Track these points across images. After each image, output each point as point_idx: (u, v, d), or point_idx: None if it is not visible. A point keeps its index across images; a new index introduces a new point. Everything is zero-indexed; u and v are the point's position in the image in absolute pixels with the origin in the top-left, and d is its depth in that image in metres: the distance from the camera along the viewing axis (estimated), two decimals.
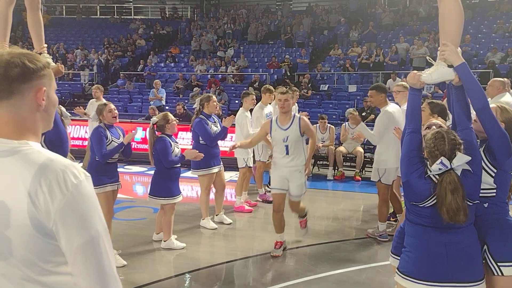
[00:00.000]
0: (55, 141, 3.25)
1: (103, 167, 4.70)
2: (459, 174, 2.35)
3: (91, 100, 9.48)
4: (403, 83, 5.83)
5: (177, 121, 5.28)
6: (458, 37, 2.60)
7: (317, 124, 9.55)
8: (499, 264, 2.47)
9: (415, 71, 2.67)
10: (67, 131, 3.51)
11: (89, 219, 1.25)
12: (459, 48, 2.56)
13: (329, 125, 9.57)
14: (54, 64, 3.35)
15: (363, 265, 4.88)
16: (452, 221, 2.32)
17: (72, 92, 17.25)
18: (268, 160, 7.25)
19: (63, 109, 3.67)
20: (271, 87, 7.44)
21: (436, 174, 2.39)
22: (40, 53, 3.35)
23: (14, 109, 1.33)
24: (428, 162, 2.47)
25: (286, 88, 5.89)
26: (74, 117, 9.48)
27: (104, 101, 9.15)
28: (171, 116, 5.25)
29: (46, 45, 3.47)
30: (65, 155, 3.34)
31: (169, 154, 5.04)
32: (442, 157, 2.35)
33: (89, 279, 1.24)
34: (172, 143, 5.15)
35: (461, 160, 2.34)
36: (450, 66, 2.52)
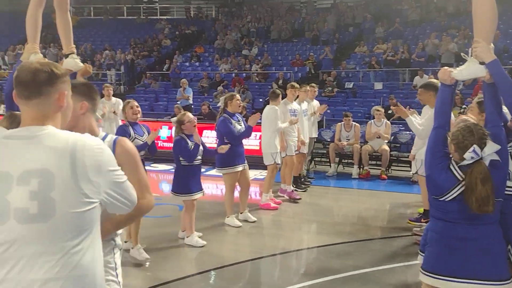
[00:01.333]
0: None
1: None
2: (487, 165, 2.34)
3: (101, 99, 9.58)
4: (433, 80, 5.71)
5: (195, 121, 5.28)
6: (490, 33, 2.55)
7: (342, 122, 9.47)
8: None
9: (446, 67, 2.63)
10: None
11: (115, 166, 1.65)
12: (491, 44, 2.51)
13: (354, 123, 9.47)
14: (82, 64, 3.43)
15: (389, 265, 4.81)
16: (480, 211, 2.30)
17: (100, 92, 17.61)
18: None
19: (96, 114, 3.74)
20: (296, 84, 7.47)
21: (459, 167, 2.37)
22: (69, 54, 3.43)
23: (41, 107, 1.60)
24: (452, 157, 2.44)
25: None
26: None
27: (113, 99, 9.34)
28: (187, 116, 5.25)
29: (74, 46, 3.54)
30: None
31: (183, 151, 5.08)
32: (474, 145, 2.34)
33: (124, 196, 1.69)
34: (190, 142, 5.15)
35: (492, 149, 2.34)
36: (482, 63, 2.47)
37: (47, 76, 1.59)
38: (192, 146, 5.13)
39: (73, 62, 3.39)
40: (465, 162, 2.38)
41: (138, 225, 4.78)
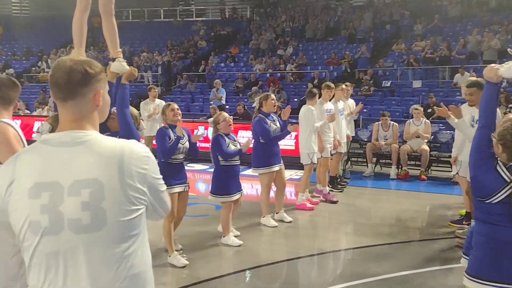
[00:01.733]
0: None
1: (170, 168, 4.69)
2: None
3: (145, 100, 9.80)
4: (475, 78, 5.39)
5: (231, 120, 5.30)
6: None
7: (379, 122, 9.30)
8: None
9: (493, 65, 2.52)
10: (141, 138, 3.68)
11: (158, 174, 1.66)
12: None
13: (392, 122, 9.27)
14: (128, 67, 3.51)
15: (428, 268, 4.68)
16: None
17: (138, 94, 18.01)
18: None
19: (142, 123, 3.83)
20: (331, 83, 7.40)
21: (509, 171, 2.29)
22: (116, 58, 3.51)
23: (77, 108, 1.57)
24: (499, 158, 2.35)
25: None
26: None
27: (157, 101, 9.52)
28: (222, 116, 5.28)
29: (120, 50, 3.62)
30: None
31: (220, 147, 5.11)
32: None
33: (161, 204, 1.69)
34: (227, 140, 5.21)
35: None
36: None
37: (81, 76, 1.55)
38: (230, 144, 5.17)
39: (120, 65, 3.47)
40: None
41: (170, 232, 4.79)
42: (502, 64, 2.53)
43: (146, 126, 9.24)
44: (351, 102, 8.41)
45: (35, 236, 1.48)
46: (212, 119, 5.40)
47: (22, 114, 14.06)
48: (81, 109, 1.57)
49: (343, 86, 7.94)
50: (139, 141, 3.49)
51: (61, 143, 1.53)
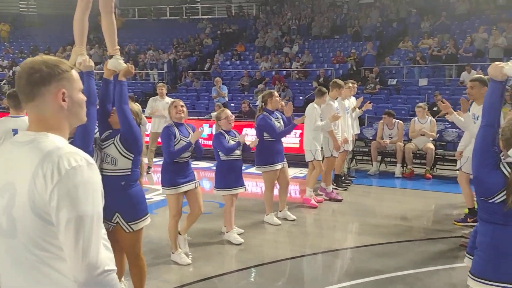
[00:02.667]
0: (129, 140, 3.42)
1: (176, 167, 4.66)
2: None
3: (155, 97, 9.81)
4: (480, 76, 5.43)
5: (232, 118, 5.33)
6: None
7: (383, 120, 9.25)
8: None
9: (498, 62, 2.50)
10: (144, 133, 3.65)
11: (79, 200, 1.38)
12: None
13: (397, 120, 9.23)
14: (124, 65, 3.52)
15: (433, 267, 4.66)
16: None
17: (144, 91, 18.08)
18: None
19: (144, 117, 3.81)
20: (340, 81, 7.34)
21: (509, 165, 2.27)
22: (113, 55, 3.53)
23: (38, 109, 1.51)
24: (502, 155, 2.33)
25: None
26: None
27: (167, 98, 9.54)
28: (225, 113, 5.30)
29: (118, 47, 3.63)
30: (139, 154, 3.51)
31: (220, 144, 5.17)
32: None
33: (70, 252, 1.39)
34: (227, 136, 5.25)
35: None
36: None
37: (39, 76, 1.49)
38: (230, 141, 5.20)
39: (117, 63, 3.49)
40: (509, 160, 2.27)
41: (176, 231, 4.80)
42: (507, 62, 2.50)
43: (154, 123, 9.27)
44: (352, 99, 8.39)
45: None
46: (215, 113, 5.48)
47: None
48: (43, 111, 1.51)
49: (350, 84, 7.92)
50: (140, 137, 3.49)
51: (17, 142, 1.51)
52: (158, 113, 9.20)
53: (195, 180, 4.80)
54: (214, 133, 5.39)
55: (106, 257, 1.45)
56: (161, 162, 5.04)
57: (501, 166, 2.30)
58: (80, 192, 1.39)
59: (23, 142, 1.49)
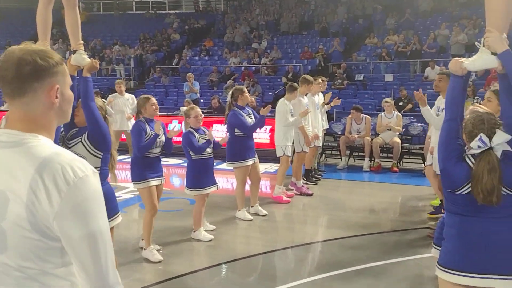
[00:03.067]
0: (98, 137, 3.34)
1: (146, 162, 4.68)
2: (499, 156, 2.29)
3: (114, 94, 9.63)
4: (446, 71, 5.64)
5: (201, 116, 5.28)
6: (503, 23, 2.49)
7: (351, 115, 9.40)
8: None
9: (458, 58, 2.58)
10: (111, 127, 3.58)
11: (90, 214, 1.25)
12: (504, 35, 2.45)
13: (364, 115, 9.40)
14: (89, 60, 3.44)
15: (401, 258, 4.78)
16: (485, 202, 2.27)
17: (110, 87, 17.70)
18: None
19: (108, 108, 3.72)
20: (309, 77, 7.39)
21: (473, 157, 2.34)
22: (76, 50, 3.44)
23: (27, 107, 1.32)
24: (466, 148, 2.41)
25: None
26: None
27: (126, 95, 9.39)
28: (194, 111, 5.22)
29: (82, 42, 3.54)
30: (108, 151, 3.43)
31: (190, 143, 5.10)
32: (481, 134, 2.30)
33: (86, 272, 1.27)
34: (197, 135, 5.19)
35: (501, 138, 2.28)
36: (494, 53, 2.42)
37: (32, 69, 1.30)
38: (200, 139, 5.16)
39: (80, 58, 3.40)
40: (472, 151, 2.34)
41: (151, 226, 4.77)
42: (468, 58, 2.59)
43: (115, 121, 9.10)
44: (320, 95, 8.48)
45: None
46: (184, 109, 5.38)
47: None
48: (32, 108, 1.33)
49: (320, 80, 8.01)
50: (108, 134, 3.40)
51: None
52: (118, 109, 9.04)
53: (163, 176, 4.90)
54: (183, 130, 5.32)
55: (117, 275, 1.34)
56: (125, 160, 4.98)
57: (466, 158, 2.37)
58: (91, 205, 1.26)
59: (6, 143, 1.30)
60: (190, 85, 14.04)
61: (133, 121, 9.25)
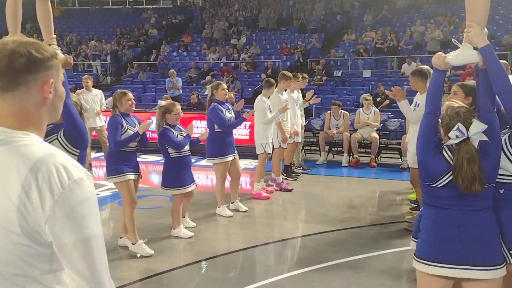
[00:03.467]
0: (74, 135, 3.26)
1: (122, 156, 4.66)
2: (476, 146, 2.34)
3: (80, 90, 9.42)
4: (422, 66, 5.75)
5: (181, 114, 5.22)
6: (484, 18, 2.54)
7: (331, 111, 9.47)
8: (511, 252, 2.44)
9: (441, 53, 2.62)
10: (87, 124, 3.51)
11: (84, 219, 1.21)
12: (485, 29, 2.50)
13: (343, 111, 9.48)
14: (62, 55, 3.35)
15: (379, 251, 4.85)
16: (468, 191, 2.32)
17: None
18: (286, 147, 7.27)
19: (84, 103, 3.66)
20: (288, 73, 7.38)
21: (450, 150, 2.38)
22: (49, 45, 3.35)
23: (19, 101, 1.26)
24: (444, 142, 2.46)
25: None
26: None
27: (94, 91, 9.23)
28: (176, 108, 5.11)
29: (55, 36, 3.45)
30: (84, 148, 3.35)
31: (169, 140, 5.00)
32: (459, 123, 2.35)
33: (81, 277, 1.23)
34: (175, 131, 5.10)
35: (477, 128, 2.33)
36: (475, 48, 2.47)
37: (26, 62, 1.24)
38: (178, 135, 5.10)
39: None
40: (450, 142, 2.38)
41: (134, 220, 4.73)
42: (450, 52, 2.63)
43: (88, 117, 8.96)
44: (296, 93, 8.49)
45: None
46: (164, 103, 5.20)
47: None
48: (24, 103, 1.26)
49: (301, 77, 8.04)
50: (86, 130, 3.33)
51: None
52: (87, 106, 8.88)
53: (139, 171, 4.87)
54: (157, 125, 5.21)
55: (112, 282, 1.30)
56: (101, 157, 4.92)
57: (443, 151, 2.42)
58: (85, 210, 1.21)
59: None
60: (174, 82, 13.87)
61: (102, 117, 9.12)
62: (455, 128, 2.35)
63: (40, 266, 1.22)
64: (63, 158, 1.23)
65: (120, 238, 4.94)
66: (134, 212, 4.75)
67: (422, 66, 5.65)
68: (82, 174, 1.23)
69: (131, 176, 4.71)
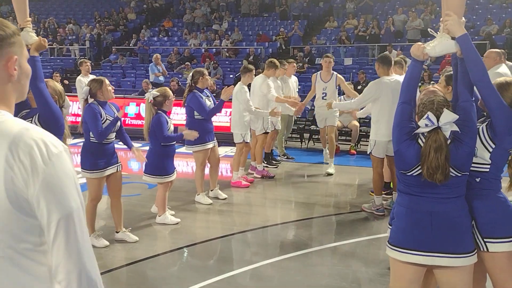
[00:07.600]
0: (49, 120, 3.18)
1: (99, 148, 4.48)
2: (447, 136, 2.35)
3: (79, 77, 9.28)
4: (384, 53, 5.99)
5: (174, 97, 5.19)
6: (461, 7, 2.54)
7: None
8: (485, 240, 2.49)
9: (419, 43, 2.62)
10: (67, 116, 3.42)
11: (68, 192, 1.21)
12: (463, 18, 2.50)
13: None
14: (36, 38, 3.25)
15: (357, 238, 4.92)
16: (430, 179, 2.34)
17: (64, 68, 17.02)
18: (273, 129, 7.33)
19: (67, 99, 3.56)
20: (277, 62, 7.36)
21: (424, 137, 2.40)
22: (23, 28, 3.25)
23: None
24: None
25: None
26: (67, 94, 9.33)
27: (91, 76, 9.05)
28: (170, 92, 5.16)
29: (30, 19, 3.35)
30: (60, 135, 3.28)
31: (165, 130, 5.02)
32: (428, 112, 2.36)
33: (64, 251, 1.20)
34: (167, 119, 5.11)
35: (448, 117, 2.33)
36: (453, 38, 2.47)
37: None
38: (170, 126, 5.08)
39: (27, 36, 3.21)
40: (421, 130, 2.40)
41: (94, 214, 4.65)
42: (428, 43, 2.63)
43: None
44: (294, 78, 8.48)
45: None
46: (155, 92, 5.11)
47: None
48: None
49: (286, 63, 8.06)
50: (62, 117, 3.25)
51: None
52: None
53: (119, 162, 4.70)
54: (142, 113, 5.17)
55: (96, 264, 1.26)
56: (79, 143, 4.80)
57: (419, 140, 2.44)
58: (66, 184, 1.20)
59: None
60: (162, 67, 13.50)
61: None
62: (424, 116, 2.36)
63: (31, 239, 1.21)
64: (40, 132, 1.22)
65: (117, 232, 4.85)
66: (96, 208, 4.65)
67: (386, 53, 5.84)
68: (60, 146, 1.23)
69: (108, 172, 4.53)
